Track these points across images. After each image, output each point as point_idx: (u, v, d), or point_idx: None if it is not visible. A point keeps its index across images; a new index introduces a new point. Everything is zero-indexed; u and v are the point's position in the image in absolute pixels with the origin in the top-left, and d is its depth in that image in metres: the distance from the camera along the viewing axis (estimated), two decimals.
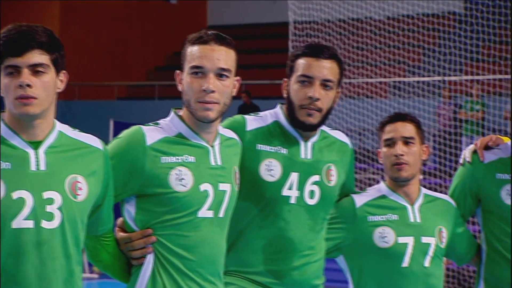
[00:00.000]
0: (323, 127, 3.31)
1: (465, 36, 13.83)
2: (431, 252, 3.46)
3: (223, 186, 2.94)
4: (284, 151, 3.22)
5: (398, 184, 3.50)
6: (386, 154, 3.48)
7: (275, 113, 3.30)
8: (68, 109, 17.96)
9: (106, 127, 13.46)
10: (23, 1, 17.97)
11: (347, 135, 3.49)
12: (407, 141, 3.46)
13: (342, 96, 13.67)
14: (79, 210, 2.65)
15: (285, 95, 3.27)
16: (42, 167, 2.59)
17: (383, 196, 3.51)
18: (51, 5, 18.53)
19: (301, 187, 3.22)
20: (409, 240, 3.44)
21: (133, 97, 19.88)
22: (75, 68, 17.93)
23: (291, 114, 3.22)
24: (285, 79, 3.27)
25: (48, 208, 2.57)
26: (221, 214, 2.94)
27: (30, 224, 2.55)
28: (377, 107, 13.79)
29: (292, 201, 3.21)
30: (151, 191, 2.85)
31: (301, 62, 3.20)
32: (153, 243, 2.86)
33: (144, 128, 2.89)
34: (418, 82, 13.97)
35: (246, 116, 3.27)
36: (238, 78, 2.97)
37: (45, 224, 2.57)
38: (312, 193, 3.24)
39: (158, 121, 2.96)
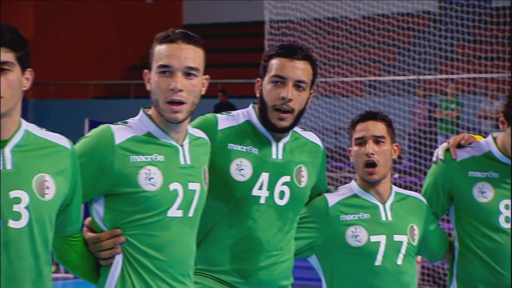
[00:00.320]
0: (295, 128, 3.31)
1: (440, 35, 13.91)
2: (403, 250, 3.47)
3: (192, 186, 2.92)
4: (255, 151, 3.21)
5: (369, 183, 3.50)
6: (357, 153, 3.49)
7: (248, 113, 3.28)
8: (43, 108, 17.85)
9: (81, 126, 13.39)
10: None
11: (322, 134, 3.49)
12: (377, 140, 3.47)
13: (317, 95, 13.70)
14: (47, 209, 2.62)
15: (258, 95, 3.26)
16: (9, 166, 2.56)
17: (355, 195, 3.51)
18: (26, 4, 18.40)
19: (271, 188, 3.21)
20: (382, 239, 3.45)
21: (109, 96, 19.80)
22: (50, 67, 17.83)
23: (263, 115, 3.21)
24: (258, 79, 3.26)
25: (15, 208, 2.54)
26: (190, 214, 2.92)
27: None
28: (352, 106, 13.83)
29: (262, 201, 3.20)
30: (120, 191, 2.83)
31: (274, 62, 3.19)
32: (122, 243, 2.83)
33: (113, 127, 2.87)
34: (393, 81, 14.03)
35: (218, 115, 3.26)
36: (207, 76, 2.96)
37: (12, 223, 2.54)
38: (282, 194, 3.23)
39: (127, 120, 2.94)
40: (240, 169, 3.18)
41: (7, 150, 2.57)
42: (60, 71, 18.54)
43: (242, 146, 3.20)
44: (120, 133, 2.85)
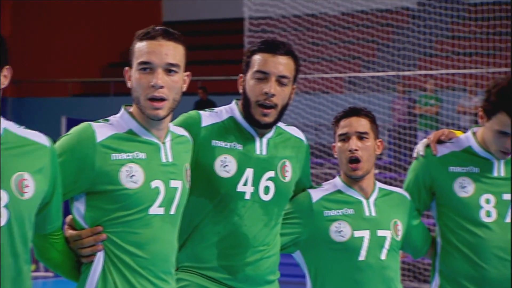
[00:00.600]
0: (279, 123, 3.31)
1: (419, 31, 13.96)
2: (387, 245, 3.48)
3: (174, 183, 2.91)
4: (239, 147, 3.22)
5: (353, 179, 3.51)
6: (340, 149, 3.49)
7: (231, 109, 3.29)
8: (21, 106, 17.73)
9: (59, 124, 13.33)
10: None
11: (303, 130, 3.50)
12: (361, 136, 3.47)
13: (297, 91, 13.70)
14: (26, 208, 2.60)
15: (240, 91, 3.26)
16: None
17: (339, 191, 3.52)
18: (3, 1, 18.26)
19: (256, 183, 3.22)
20: (365, 234, 3.46)
21: (88, 93, 19.70)
22: (28, 65, 17.71)
23: (246, 110, 3.22)
24: (241, 75, 3.26)
25: None
26: (172, 211, 2.91)
27: None
28: (332, 102, 13.85)
29: (247, 197, 3.21)
30: (102, 188, 2.81)
31: (257, 58, 3.20)
32: (103, 240, 2.82)
33: (94, 124, 2.86)
34: (372, 77, 14.08)
35: (201, 112, 3.26)
36: (188, 73, 2.95)
37: None
38: (267, 189, 3.24)
39: (108, 118, 2.93)
40: (225, 165, 3.18)
41: None
42: (38, 69, 18.43)
43: (226, 143, 3.21)
44: (101, 130, 2.84)
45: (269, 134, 3.28)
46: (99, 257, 2.83)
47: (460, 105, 13.33)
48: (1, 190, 2.53)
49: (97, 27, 20.30)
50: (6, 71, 2.60)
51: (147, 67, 2.84)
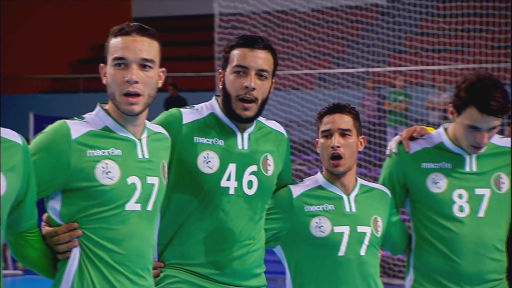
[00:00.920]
0: (259, 118, 3.32)
1: (388, 28, 14.05)
2: (366, 241, 3.50)
3: (151, 180, 2.91)
4: (221, 142, 3.23)
5: (334, 175, 3.53)
6: (323, 145, 3.51)
7: (211, 105, 3.30)
8: None
9: (27, 121, 13.22)
10: None
11: None
12: (344, 133, 3.49)
13: None
14: None
15: (220, 87, 3.27)
16: None
17: (320, 187, 3.54)
18: None
19: (239, 178, 3.23)
20: (345, 230, 3.47)
21: (56, 90, 19.55)
22: None
23: (227, 106, 3.23)
24: (221, 71, 3.28)
25: None
26: (149, 208, 2.91)
27: None
28: (303, 99, 13.89)
29: (231, 192, 3.22)
30: (77, 186, 2.80)
31: (236, 53, 3.21)
32: (79, 236, 2.81)
33: (69, 122, 2.85)
34: (342, 73, 14.13)
35: (182, 110, 3.27)
36: (163, 69, 2.95)
37: None
38: (250, 183, 3.26)
39: (83, 116, 2.92)
40: (207, 161, 3.20)
41: None
42: (5, 65, 18.24)
43: (207, 139, 3.22)
44: (76, 128, 2.83)
45: (250, 129, 3.29)
46: (75, 254, 2.82)
47: (429, 101, 13.44)
48: None
49: (66, 23, 20.15)
50: None
51: (121, 63, 2.83)
